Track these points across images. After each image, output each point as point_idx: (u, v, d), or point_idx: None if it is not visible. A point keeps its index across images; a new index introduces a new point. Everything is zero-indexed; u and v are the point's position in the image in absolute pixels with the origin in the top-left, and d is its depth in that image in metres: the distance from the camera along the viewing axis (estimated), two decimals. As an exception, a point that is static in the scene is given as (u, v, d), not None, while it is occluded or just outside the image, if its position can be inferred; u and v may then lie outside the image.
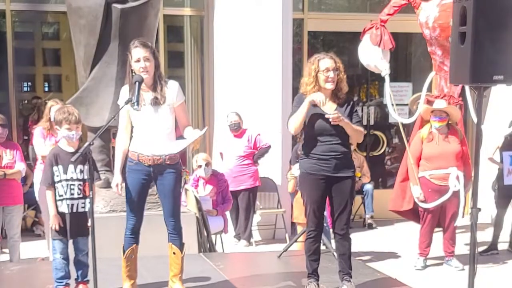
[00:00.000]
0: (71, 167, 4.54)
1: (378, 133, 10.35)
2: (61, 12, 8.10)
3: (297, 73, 8.47)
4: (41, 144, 6.37)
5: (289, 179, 7.17)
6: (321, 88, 4.66)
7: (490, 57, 4.03)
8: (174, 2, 9.32)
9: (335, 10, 10.31)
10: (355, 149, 9.14)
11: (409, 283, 5.30)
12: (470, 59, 4.04)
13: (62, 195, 4.55)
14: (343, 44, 10.56)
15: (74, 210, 4.56)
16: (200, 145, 6.08)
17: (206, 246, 6.43)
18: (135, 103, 4.33)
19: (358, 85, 10.49)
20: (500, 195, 7.74)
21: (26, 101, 10.49)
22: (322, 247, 5.07)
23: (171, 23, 9.48)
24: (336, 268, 4.93)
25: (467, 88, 6.53)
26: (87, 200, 4.45)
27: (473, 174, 5.31)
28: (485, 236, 7.86)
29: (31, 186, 6.95)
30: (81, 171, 4.56)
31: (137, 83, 4.35)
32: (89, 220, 4.32)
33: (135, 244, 4.62)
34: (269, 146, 8.24)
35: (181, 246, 4.63)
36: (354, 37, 7.95)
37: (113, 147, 5.97)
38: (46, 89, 11.23)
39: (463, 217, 7.14)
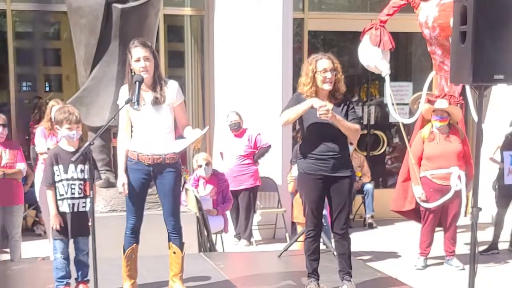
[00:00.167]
0: (71, 166, 4.54)
1: (378, 132, 10.35)
2: (62, 12, 8.10)
3: (297, 73, 8.39)
4: (42, 143, 6.39)
5: (289, 181, 7.18)
6: (318, 89, 4.66)
7: (491, 57, 4.03)
8: (174, 2, 9.32)
9: (336, 9, 10.31)
10: (355, 149, 9.14)
11: (410, 283, 5.30)
12: (470, 58, 4.03)
13: (63, 195, 4.55)
14: (343, 44, 10.56)
15: (75, 210, 4.57)
16: (200, 145, 6.08)
17: (207, 245, 6.43)
18: (135, 103, 4.34)
19: (359, 84, 10.49)
20: (500, 195, 7.74)
21: (26, 101, 10.49)
22: (323, 247, 5.08)
23: (171, 23, 9.48)
24: (336, 267, 4.93)
25: (467, 87, 6.53)
26: (88, 200, 4.45)
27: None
28: (485, 235, 7.86)
29: (32, 185, 6.95)
30: (82, 171, 4.56)
31: (137, 82, 4.35)
32: (90, 220, 4.32)
33: (135, 244, 4.62)
34: (269, 146, 8.24)
35: (181, 245, 4.63)
36: (355, 37, 7.95)
37: (114, 147, 5.98)
38: (47, 89, 11.23)
39: (465, 215, 7.14)
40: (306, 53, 9.40)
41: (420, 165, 6.98)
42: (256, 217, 8.52)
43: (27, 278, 5.39)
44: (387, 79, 7.26)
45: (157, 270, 5.12)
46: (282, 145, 8.53)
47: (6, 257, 6.74)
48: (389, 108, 7.38)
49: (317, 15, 9.78)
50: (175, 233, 4.61)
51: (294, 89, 5.35)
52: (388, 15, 7.29)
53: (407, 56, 10.88)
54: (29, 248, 7.19)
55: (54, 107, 6.27)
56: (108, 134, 6.36)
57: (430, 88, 7.43)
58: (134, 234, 4.60)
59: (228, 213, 7.75)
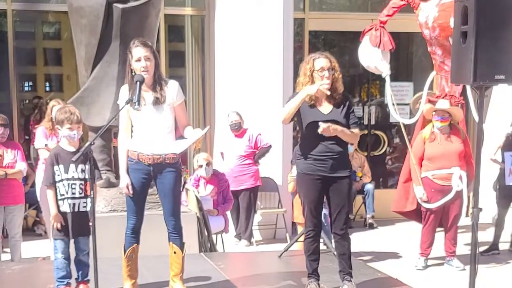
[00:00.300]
0: (72, 166, 4.54)
1: (379, 132, 10.35)
2: (62, 11, 8.10)
3: (298, 73, 8.46)
4: (42, 143, 6.39)
5: (289, 181, 7.18)
6: None
7: (492, 57, 4.03)
8: (175, 2, 9.32)
9: (336, 9, 10.31)
10: (356, 149, 9.14)
11: (410, 283, 5.29)
12: (471, 58, 4.03)
13: (63, 195, 4.55)
14: (344, 44, 10.56)
15: (76, 210, 4.57)
16: (201, 145, 6.08)
17: (207, 245, 6.43)
18: (136, 103, 4.33)
19: (359, 84, 10.49)
20: (501, 195, 7.74)
21: (27, 101, 10.50)
22: (323, 247, 5.07)
23: (172, 23, 9.48)
24: (336, 268, 4.92)
25: (468, 87, 6.52)
26: (89, 200, 4.46)
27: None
28: (486, 236, 7.86)
29: (33, 185, 6.96)
30: (82, 171, 4.56)
31: (138, 82, 4.35)
32: (90, 220, 4.32)
33: (135, 244, 4.62)
34: (270, 146, 8.24)
35: (181, 245, 4.63)
36: (355, 37, 7.94)
37: (114, 147, 5.98)
38: (47, 88, 11.24)
39: (467, 215, 7.14)
40: (306, 53, 9.38)
41: (421, 166, 6.98)
42: (257, 217, 8.52)
43: (27, 278, 5.38)
44: (388, 79, 7.25)
45: (157, 270, 5.12)
46: (282, 145, 8.53)
47: (7, 257, 6.75)
48: (390, 108, 7.38)
49: (317, 15, 9.78)
50: (176, 233, 4.60)
51: (295, 89, 5.35)
52: (388, 15, 7.28)
53: (408, 56, 10.88)
54: (30, 248, 7.20)
55: (54, 107, 6.28)
56: (109, 134, 6.36)
57: (430, 88, 7.43)
58: (134, 234, 4.60)
59: (228, 213, 7.74)
